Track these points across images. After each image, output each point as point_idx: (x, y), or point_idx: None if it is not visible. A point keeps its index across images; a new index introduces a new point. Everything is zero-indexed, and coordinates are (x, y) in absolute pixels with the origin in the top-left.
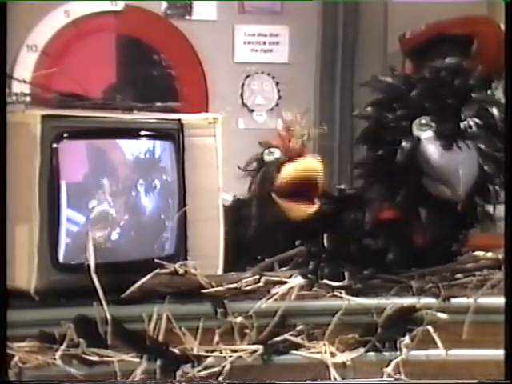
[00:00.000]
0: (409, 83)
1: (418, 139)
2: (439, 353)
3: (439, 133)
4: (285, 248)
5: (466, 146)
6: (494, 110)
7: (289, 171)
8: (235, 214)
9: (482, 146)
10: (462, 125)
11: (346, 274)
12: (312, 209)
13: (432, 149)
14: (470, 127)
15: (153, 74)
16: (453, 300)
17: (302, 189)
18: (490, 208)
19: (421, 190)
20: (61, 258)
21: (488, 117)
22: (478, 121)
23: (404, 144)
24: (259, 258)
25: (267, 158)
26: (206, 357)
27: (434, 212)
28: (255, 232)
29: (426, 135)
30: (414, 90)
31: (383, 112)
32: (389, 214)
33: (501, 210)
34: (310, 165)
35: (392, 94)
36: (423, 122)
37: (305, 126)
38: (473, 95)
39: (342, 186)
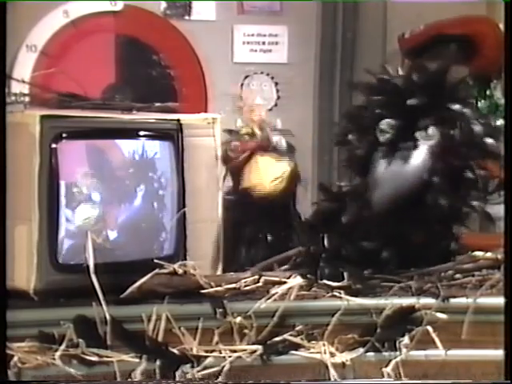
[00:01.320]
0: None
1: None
2: (438, 353)
3: (391, 138)
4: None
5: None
6: (460, 119)
7: (246, 180)
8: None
9: (438, 153)
10: (418, 133)
11: (346, 275)
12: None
13: (380, 156)
14: (428, 135)
15: (152, 74)
16: (452, 300)
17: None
18: (482, 207)
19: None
20: (60, 259)
21: (451, 125)
22: (439, 129)
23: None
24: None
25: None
26: (206, 357)
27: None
28: (246, 219)
29: (383, 138)
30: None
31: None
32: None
33: (500, 210)
34: (261, 171)
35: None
36: (382, 126)
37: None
38: (439, 103)
39: (342, 183)
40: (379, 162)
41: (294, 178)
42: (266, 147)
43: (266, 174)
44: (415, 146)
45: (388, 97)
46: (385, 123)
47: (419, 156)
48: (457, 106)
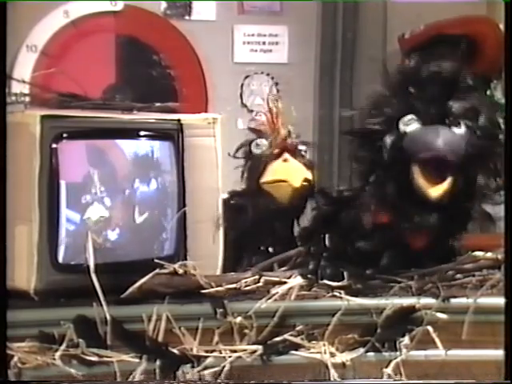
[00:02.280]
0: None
1: (405, 133)
2: (439, 353)
3: (424, 121)
4: (283, 236)
5: (451, 129)
6: (484, 112)
7: (271, 173)
8: (231, 206)
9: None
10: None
11: (346, 274)
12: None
13: (415, 129)
14: (458, 123)
15: (152, 74)
16: (452, 300)
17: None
18: (487, 207)
19: (411, 188)
20: (60, 259)
21: (475, 118)
22: (464, 121)
23: (388, 139)
24: (261, 248)
25: (255, 150)
26: (206, 357)
27: (426, 211)
28: (252, 223)
29: (411, 128)
30: (402, 89)
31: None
32: (385, 214)
33: (500, 210)
34: (301, 180)
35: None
36: (408, 118)
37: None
38: (463, 96)
39: (341, 188)
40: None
41: (309, 190)
42: (293, 151)
43: (293, 173)
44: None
45: (414, 87)
46: (408, 117)
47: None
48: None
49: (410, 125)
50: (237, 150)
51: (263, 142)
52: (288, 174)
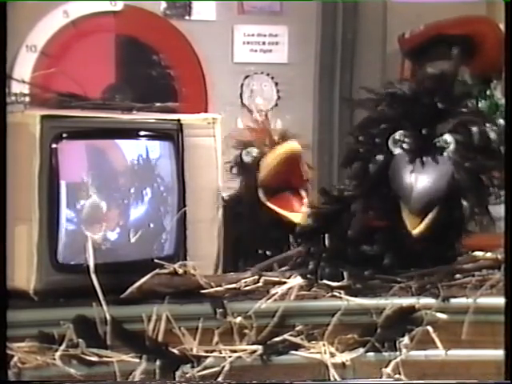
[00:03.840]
0: (388, 98)
1: (392, 154)
2: (438, 353)
3: (410, 148)
4: (281, 246)
5: (436, 161)
6: (473, 126)
7: (268, 161)
8: (231, 210)
9: (457, 159)
10: (436, 140)
11: (346, 274)
12: (302, 210)
13: (399, 165)
14: (446, 142)
15: (152, 74)
16: (452, 300)
17: (287, 177)
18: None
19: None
20: (60, 259)
21: (465, 132)
22: (454, 136)
23: (378, 158)
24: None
25: (245, 158)
26: (206, 357)
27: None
28: (249, 233)
29: (398, 151)
30: (391, 105)
31: (365, 128)
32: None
33: (500, 210)
34: (288, 146)
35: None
36: (396, 137)
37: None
38: (452, 109)
39: (342, 186)
40: (402, 174)
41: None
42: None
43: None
44: (433, 155)
45: (397, 108)
46: (398, 135)
47: (441, 164)
48: (469, 110)
49: (398, 145)
50: (231, 168)
51: (253, 150)
52: (287, 152)
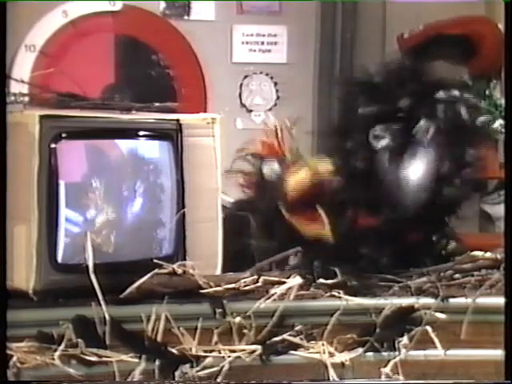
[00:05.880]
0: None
1: (375, 149)
2: (438, 353)
3: (391, 144)
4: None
5: (418, 151)
6: (459, 108)
7: (294, 184)
8: (236, 217)
9: (440, 147)
10: (416, 130)
11: (345, 274)
12: (324, 227)
13: (382, 161)
14: (427, 131)
15: (151, 74)
16: (451, 300)
17: (310, 198)
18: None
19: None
20: (59, 258)
21: (451, 115)
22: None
23: (362, 154)
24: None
25: (267, 172)
26: (205, 357)
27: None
28: (261, 244)
29: (380, 145)
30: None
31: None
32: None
33: (500, 210)
34: (315, 165)
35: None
36: (376, 132)
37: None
38: (435, 95)
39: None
40: (383, 169)
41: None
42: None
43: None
44: (414, 146)
45: (373, 100)
46: (378, 129)
47: (422, 156)
48: (441, 94)
49: (380, 140)
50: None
51: (275, 164)
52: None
